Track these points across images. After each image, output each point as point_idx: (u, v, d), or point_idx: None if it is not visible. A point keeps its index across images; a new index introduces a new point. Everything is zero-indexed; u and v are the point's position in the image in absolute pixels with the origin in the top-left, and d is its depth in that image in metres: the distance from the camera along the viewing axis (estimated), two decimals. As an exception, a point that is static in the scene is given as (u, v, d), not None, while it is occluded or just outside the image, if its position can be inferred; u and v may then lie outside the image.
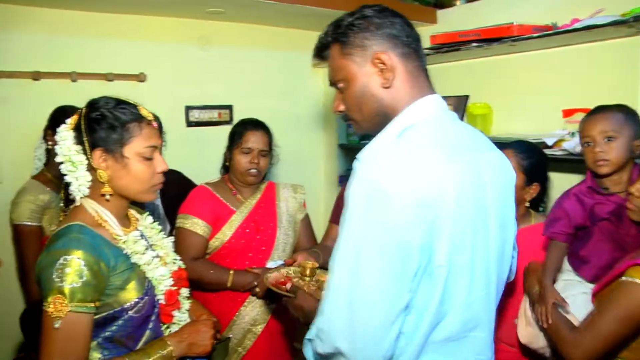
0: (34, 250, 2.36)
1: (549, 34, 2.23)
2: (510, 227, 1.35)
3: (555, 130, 2.29)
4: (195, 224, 2.22)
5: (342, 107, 1.33)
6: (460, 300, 1.17)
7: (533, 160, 2.04)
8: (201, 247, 2.23)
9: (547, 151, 2.18)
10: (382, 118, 1.26)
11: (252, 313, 2.26)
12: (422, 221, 1.08)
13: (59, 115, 2.39)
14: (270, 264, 2.26)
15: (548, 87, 2.47)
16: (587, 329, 1.54)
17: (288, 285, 1.63)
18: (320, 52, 1.35)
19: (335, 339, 1.10)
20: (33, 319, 2.10)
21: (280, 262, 2.27)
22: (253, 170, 2.27)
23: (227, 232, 2.26)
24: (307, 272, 1.80)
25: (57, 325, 1.25)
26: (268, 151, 2.34)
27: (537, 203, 2.18)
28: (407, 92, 1.25)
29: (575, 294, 1.80)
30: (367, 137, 1.33)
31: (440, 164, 1.13)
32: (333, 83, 1.33)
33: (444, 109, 1.29)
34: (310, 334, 1.22)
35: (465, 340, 1.22)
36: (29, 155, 2.61)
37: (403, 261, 1.08)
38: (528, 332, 1.89)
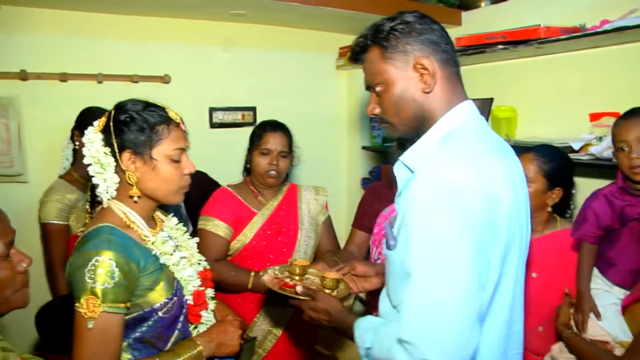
0: (60, 248, 2.42)
1: (577, 35, 2.19)
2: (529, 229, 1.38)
3: (581, 135, 2.26)
4: (216, 226, 2.23)
5: (377, 110, 1.33)
6: (510, 296, 1.21)
7: (555, 165, 1.99)
8: (222, 249, 2.24)
9: (573, 156, 2.14)
10: (419, 122, 1.28)
11: (272, 314, 2.26)
12: (490, 215, 1.12)
13: (86, 116, 2.43)
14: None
15: (575, 90, 2.43)
16: (632, 356, 1.51)
17: (299, 288, 1.56)
18: (358, 55, 1.36)
19: (426, 349, 1.06)
20: (49, 318, 2.14)
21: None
22: (272, 172, 2.27)
23: (248, 233, 2.27)
24: (297, 270, 1.74)
25: (90, 326, 1.26)
26: (288, 152, 2.33)
27: (563, 209, 2.14)
28: (446, 97, 1.27)
29: (605, 305, 1.77)
30: (391, 139, 1.33)
31: (494, 163, 1.18)
32: (370, 86, 1.34)
33: (478, 114, 1.32)
34: (365, 341, 1.24)
35: (510, 335, 1.25)
36: (55, 156, 2.66)
37: (481, 258, 1.10)
38: None
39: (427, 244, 1.10)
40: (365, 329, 1.29)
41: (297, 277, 1.72)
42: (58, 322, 2.13)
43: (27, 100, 2.62)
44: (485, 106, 2.74)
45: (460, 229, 1.08)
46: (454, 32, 2.85)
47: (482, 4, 2.95)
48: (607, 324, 1.72)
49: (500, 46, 2.44)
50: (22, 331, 2.42)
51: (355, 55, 1.36)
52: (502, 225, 1.15)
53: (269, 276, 1.71)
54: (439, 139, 1.25)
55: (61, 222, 2.43)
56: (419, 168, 1.19)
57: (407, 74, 1.26)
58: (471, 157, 1.17)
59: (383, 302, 1.41)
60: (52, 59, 2.67)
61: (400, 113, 1.28)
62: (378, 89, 1.30)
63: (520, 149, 2.13)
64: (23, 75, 2.58)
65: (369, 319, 1.34)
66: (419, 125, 1.28)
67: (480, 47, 2.54)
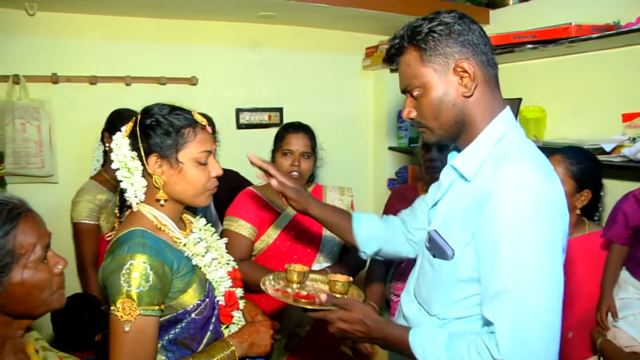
0: (91, 247, 2.48)
1: (611, 34, 2.15)
2: None
3: (613, 136, 2.21)
4: (240, 226, 2.24)
5: (413, 114, 1.30)
6: None
7: (583, 166, 1.96)
8: (246, 249, 2.25)
9: (604, 157, 2.11)
10: (459, 127, 1.25)
11: (296, 315, 2.26)
12: (565, 224, 1.13)
13: (116, 118, 2.48)
14: (315, 266, 2.26)
15: (607, 89, 2.39)
16: None
17: (323, 297, 1.40)
18: (393, 57, 1.32)
19: None
20: (65, 316, 2.17)
21: (327, 264, 2.27)
22: (294, 173, 2.27)
23: (272, 234, 2.28)
24: (295, 277, 1.60)
25: (127, 329, 1.27)
26: (311, 153, 2.33)
27: (592, 211, 2.10)
28: (486, 101, 1.24)
29: (637, 314, 1.74)
30: (416, 140, 1.31)
31: (553, 170, 1.19)
32: (407, 90, 1.30)
33: (516, 121, 1.31)
34: (439, 358, 1.18)
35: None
36: (84, 157, 2.72)
37: (561, 266, 1.11)
38: None
39: (526, 263, 1.08)
40: (432, 345, 1.21)
41: (295, 285, 1.60)
42: (74, 320, 2.17)
43: (58, 103, 2.68)
44: (513, 106, 2.69)
45: (553, 246, 1.09)
46: (481, 32, 2.83)
47: (510, 2, 2.92)
48: (637, 331, 1.68)
49: (530, 46, 2.41)
50: (37, 327, 2.48)
51: (390, 57, 1.33)
52: (566, 231, 1.17)
53: (271, 289, 1.55)
54: (491, 144, 1.22)
55: (92, 222, 2.49)
56: (489, 179, 1.16)
57: (447, 77, 1.22)
58: (546, 166, 1.17)
59: (411, 306, 1.39)
60: (82, 62, 2.73)
61: (440, 118, 1.25)
62: (415, 93, 1.27)
63: (549, 151, 2.09)
64: (54, 79, 2.64)
65: (427, 331, 1.26)
66: (458, 130, 1.26)
67: (509, 46, 2.51)
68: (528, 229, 1.08)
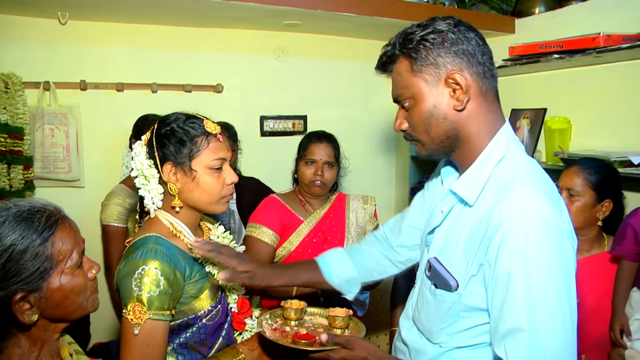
0: (118, 249, 2.52)
1: (643, 44, 2.09)
2: None
3: (641, 148, 2.16)
4: (263, 233, 2.26)
5: (405, 126, 1.25)
6: None
7: (602, 175, 1.92)
8: (268, 255, 2.27)
9: (632, 170, 2.06)
10: (452, 142, 1.20)
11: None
12: (575, 251, 1.09)
13: (141, 124, 2.54)
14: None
15: (636, 100, 2.33)
16: None
17: (324, 337, 1.33)
18: (385, 66, 1.26)
19: None
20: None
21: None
22: (317, 182, 2.29)
23: (294, 241, 2.29)
24: (292, 315, 1.52)
25: (136, 332, 1.29)
26: (334, 163, 2.34)
27: (614, 223, 2.01)
28: (484, 116, 1.19)
29: None
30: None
31: (557, 191, 1.15)
32: (397, 100, 1.25)
33: (516, 136, 1.25)
34: None
35: None
36: (110, 162, 2.79)
37: (575, 296, 1.07)
38: None
39: (540, 298, 1.03)
40: None
41: (293, 322, 1.52)
42: (80, 322, 2.21)
43: (85, 109, 2.74)
44: (538, 117, 2.66)
45: (566, 277, 1.05)
46: (507, 41, 2.81)
47: (537, 10, 2.88)
48: None
49: (556, 55, 2.37)
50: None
51: (382, 65, 1.27)
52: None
53: (268, 330, 1.46)
54: (492, 166, 1.17)
55: (120, 225, 2.55)
56: (495, 209, 1.10)
57: (438, 89, 1.16)
58: (552, 191, 1.12)
59: (411, 332, 1.35)
60: (110, 69, 2.79)
61: (430, 131, 1.19)
62: (406, 104, 1.21)
63: (572, 162, 2.06)
64: (83, 85, 2.70)
65: None
66: (451, 145, 1.20)
67: (535, 56, 2.48)
68: (541, 263, 1.03)
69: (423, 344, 1.29)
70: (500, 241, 1.06)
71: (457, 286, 1.17)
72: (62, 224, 1.12)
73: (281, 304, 1.56)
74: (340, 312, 1.49)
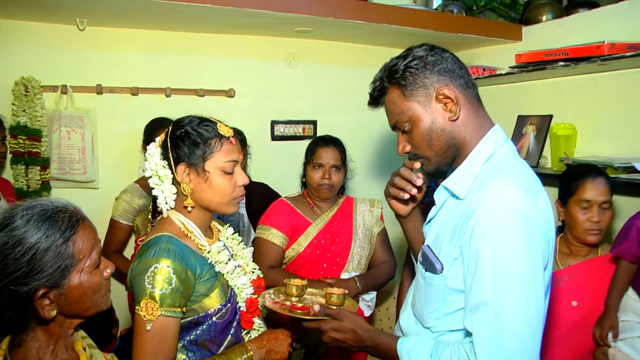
0: (114, 240, 2.68)
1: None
2: None
3: (646, 155, 2.18)
4: (272, 235, 2.31)
5: (408, 148, 1.35)
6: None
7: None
8: (277, 257, 2.32)
9: (634, 176, 2.09)
10: (453, 151, 1.30)
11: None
12: (546, 241, 1.16)
13: (151, 129, 2.63)
14: (344, 275, 2.31)
15: (639, 108, 2.35)
16: None
17: (316, 307, 1.46)
18: (377, 99, 1.38)
19: None
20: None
21: (355, 273, 2.31)
22: (325, 185, 2.34)
23: (303, 242, 2.34)
24: (294, 291, 1.62)
25: (148, 328, 1.34)
26: (341, 166, 2.40)
27: None
28: (473, 121, 1.29)
29: (635, 338, 1.73)
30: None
31: (540, 187, 1.23)
32: (396, 127, 1.36)
33: (505, 135, 1.34)
34: None
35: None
36: (124, 164, 2.86)
37: (542, 281, 1.14)
38: None
39: (505, 276, 1.11)
40: (418, 353, 1.25)
41: (294, 298, 1.62)
42: (102, 320, 2.27)
43: (101, 112, 2.81)
44: (544, 123, 2.69)
45: (532, 260, 1.12)
46: (514, 48, 2.84)
47: (544, 18, 2.90)
48: (638, 355, 1.67)
49: (562, 63, 2.40)
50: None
51: (374, 100, 1.39)
52: (550, 248, 1.20)
53: (269, 301, 1.59)
54: (481, 163, 1.26)
55: (122, 221, 2.66)
56: (474, 197, 1.20)
57: (432, 106, 1.28)
58: (531, 184, 1.20)
59: (407, 318, 1.44)
60: (125, 74, 2.85)
61: (433, 146, 1.30)
62: (406, 127, 1.32)
63: (577, 168, 2.09)
64: (99, 89, 2.77)
65: (414, 340, 1.30)
66: (453, 154, 1.31)
67: (541, 63, 2.51)
68: (506, 242, 1.12)
69: (417, 328, 1.38)
70: (473, 225, 1.16)
71: (442, 269, 1.26)
72: (83, 223, 1.17)
73: (284, 281, 1.65)
74: (336, 290, 1.58)
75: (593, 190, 1.91)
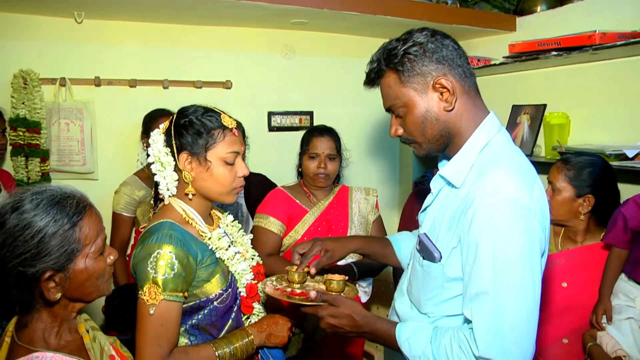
0: (120, 234, 2.70)
1: (636, 41, 2.14)
2: None
3: (637, 142, 2.22)
4: (270, 223, 2.35)
5: (400, 132, 1.35)
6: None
7: (582, 172, 1.93)
8: (275, 244, 2.36)
9: (626, 163, 2.12)
10: (445, 139, 1.31)
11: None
12: (545, 231, 1.19)
13: (148, 121, 2.67)
14: (340, 262, 2.34)
15: (631, 96, 2.39)
16: None
17: (313, 294, 1.48)
18: (374, 81, 1.37)
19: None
20: (116, 302, 2.32)
21: (352, 260, 2.35)
22: (321, 174, 2.38)
23: (299, 230, 2.38)
24: (296, 278, 1.62)
25: (151, 312, 1.37)
26: (336, 155, 2.43)
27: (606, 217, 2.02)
28: (469, 111, 1.30)
29: (622, 319, 1.77)
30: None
31: (535, 175, 1.24)
32: (390, 109, 1.36)
33: (500, 124, 1.35)
34: (424, 352, 1.23)
35: None
36: (122, 155, 2.89)
37: (539, 270, 1.17)
38: None
39: (504, 266, 1.13)
40: (417, 339, 1.26)
41: (296, 285, 1.62)
42: (124, 307, 2.31)
43: (100, 104, 2.84)
44: (538, 112, 2.73)
45: (530, 250, 1.14)
46: (508, 38, 2.87)
47: (538, 8, 2.93)
48: (623, 338, 1.72)
49: (554, 53, 2.43)
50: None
51: (371, 81, 1.38)
52: (547, 235, 1.22)
53: (270, 287, 1.58)
54: (477, 152, 1.27)
55: (125, 214, 2.68)
56: (472, 187, 1.21)
57: (428, 95, 1.27)
58: (527, 173, 1.22)
59: (403, 304, 1.46)
60: (123, 66, 2.88)
61: (426, 133, 1.30)
62: (400, 112, 1.32)
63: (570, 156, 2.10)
64: (97, 82, 2.80)
65: (413, 326, 1.31)
66: (445, 142, 1.31)
67: (534, 53, 2.53)
68: (504, 232, 1.14)
69: (413, 314, 1.40)
70: (472, 215, 1.17)
71: (441, 257, 1.28)
72: (90, 210, 1.21)
73: (286, 268, 1.65)
74: (336, 277, 1.58)
75: None
